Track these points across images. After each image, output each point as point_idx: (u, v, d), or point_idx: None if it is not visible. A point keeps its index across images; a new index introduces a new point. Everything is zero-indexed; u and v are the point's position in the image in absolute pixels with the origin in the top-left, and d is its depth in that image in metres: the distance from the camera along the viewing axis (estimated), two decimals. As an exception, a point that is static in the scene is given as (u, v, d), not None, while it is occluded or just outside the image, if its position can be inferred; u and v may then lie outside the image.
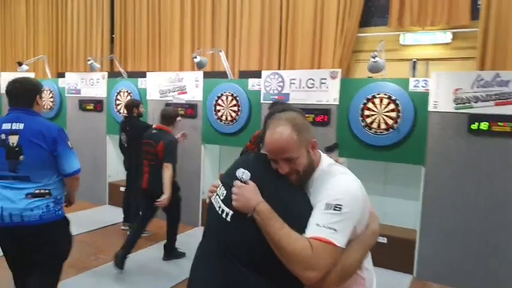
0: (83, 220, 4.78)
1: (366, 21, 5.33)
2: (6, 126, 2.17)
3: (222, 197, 1.29)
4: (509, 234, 3.36)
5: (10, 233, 2.14)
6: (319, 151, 1.35)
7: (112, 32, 7.21)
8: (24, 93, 2.22)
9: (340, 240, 1.15)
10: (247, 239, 1.21)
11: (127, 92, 5.36)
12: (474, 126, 3.47)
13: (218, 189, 1.34)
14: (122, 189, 4.92)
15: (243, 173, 1.25)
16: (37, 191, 2.15)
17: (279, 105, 1.85)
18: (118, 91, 5.44)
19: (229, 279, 1.21)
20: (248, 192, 1.21)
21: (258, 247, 1.19)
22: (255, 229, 1.18)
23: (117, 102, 5.46)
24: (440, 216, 3.61)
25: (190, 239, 4.15)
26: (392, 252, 3.72)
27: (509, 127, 3.35)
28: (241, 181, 1.24)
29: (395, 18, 4.85)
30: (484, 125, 3.44)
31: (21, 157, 2.14)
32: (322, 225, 1.15)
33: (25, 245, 2.18)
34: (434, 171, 3.64)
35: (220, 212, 1.27)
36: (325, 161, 1.34)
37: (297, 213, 1.22)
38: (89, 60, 5.52)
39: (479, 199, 3.47)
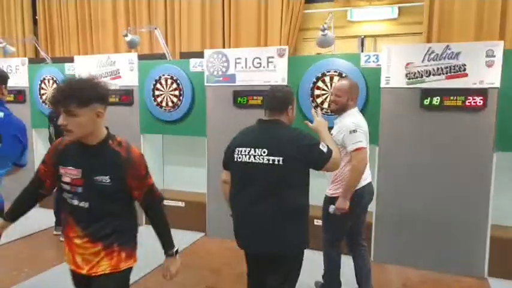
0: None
1: (312, -3, 5.08)
2: None
3: (263, 153, 1.96)
4: (464, 212, 3.31)
5: None
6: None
7: (35, 12, 6.40)
8: None
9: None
10: (292, 172, 1.96)
11: (52, 79, 4.72)
12: (426, 101, 3.35)
13: (241, 153, 2.02)
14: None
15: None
16: None
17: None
18: (42, 79, 4.78)
19: (285, 201, 1.96)
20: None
21: (298, 174, 1.99)
22: (295, 164, 1.96)
23: (42, 91, 4.81)
24: (394, 198, 3.50)
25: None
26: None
27: (460, 101, 3.26)
28: None
29: (343, -8, 4.65)
30: (436, 100, 3.33)
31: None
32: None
33: None
34: (388, 150, 3.50)
35: (266, 162, 1.94)
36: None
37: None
38: (0, 42, 4.75)
39: (431, 178, 3.38)
